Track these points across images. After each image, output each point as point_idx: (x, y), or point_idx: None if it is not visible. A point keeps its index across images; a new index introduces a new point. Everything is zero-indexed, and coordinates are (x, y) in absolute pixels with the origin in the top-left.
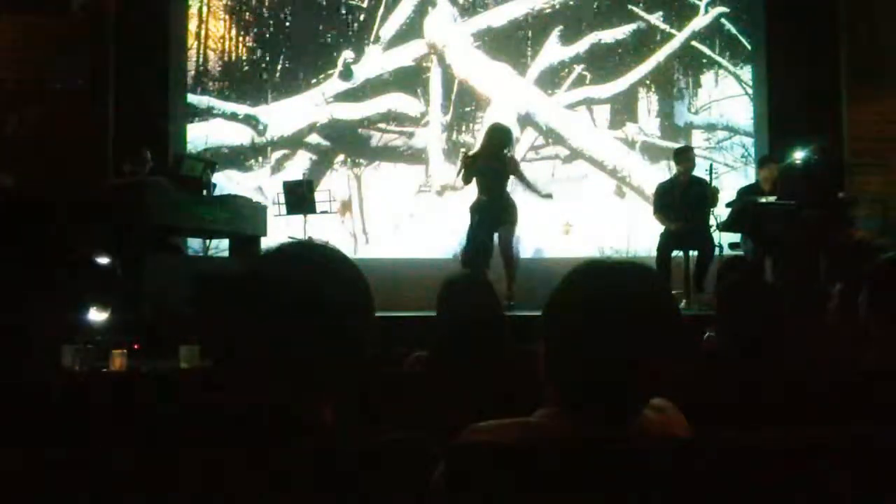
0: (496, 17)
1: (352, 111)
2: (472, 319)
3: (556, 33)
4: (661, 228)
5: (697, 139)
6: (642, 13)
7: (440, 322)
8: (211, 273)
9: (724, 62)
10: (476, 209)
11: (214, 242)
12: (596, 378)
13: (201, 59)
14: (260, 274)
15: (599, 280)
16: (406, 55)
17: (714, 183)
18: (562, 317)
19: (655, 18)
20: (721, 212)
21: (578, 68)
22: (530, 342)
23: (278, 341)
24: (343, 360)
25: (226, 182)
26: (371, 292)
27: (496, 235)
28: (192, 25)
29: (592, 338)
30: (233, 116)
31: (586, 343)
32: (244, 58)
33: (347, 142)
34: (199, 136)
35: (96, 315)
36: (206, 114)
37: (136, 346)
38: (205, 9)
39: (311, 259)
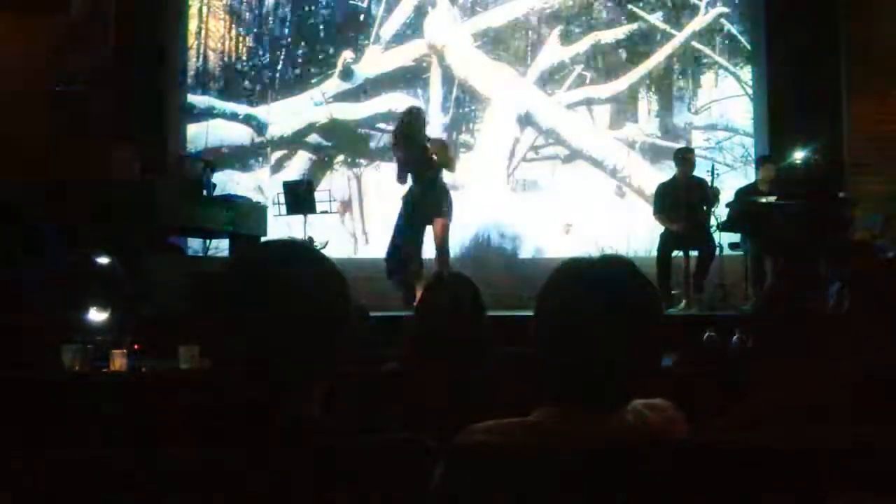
0: (496, 17)
1: (352, 111)
2: (450, 320)
3: (556, 33)
4: (661, 228)
5: (697, 139)
6: (642, 13)
7: (418, 321)
8: (205, 273)
9: (724, 62)
10: (406, 199)
11: (214, 242)
12: (575, 376)
13: (201, 59)
14: (236, 273)
15: (576, 279)
16: (406, 55)
17: (715, 183)
18: (543, 318)
19: (655, 18)
20: (721, 212)
21: (578, 68)
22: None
23: (256, 338)
24: (320, 353)
25: (226, 182)
26: (345, 286)
27: (429, 229)
28: (192, 25)
29: (569, 337)
30: (233, 116)
31: (564, 342)
32: (244, 58)
33: (347, 142)
34: (199, 136)
35: (96, 315)
36: (206, 113)
37: (136, 346)
38: (205, 9)
39: (286, 256)
